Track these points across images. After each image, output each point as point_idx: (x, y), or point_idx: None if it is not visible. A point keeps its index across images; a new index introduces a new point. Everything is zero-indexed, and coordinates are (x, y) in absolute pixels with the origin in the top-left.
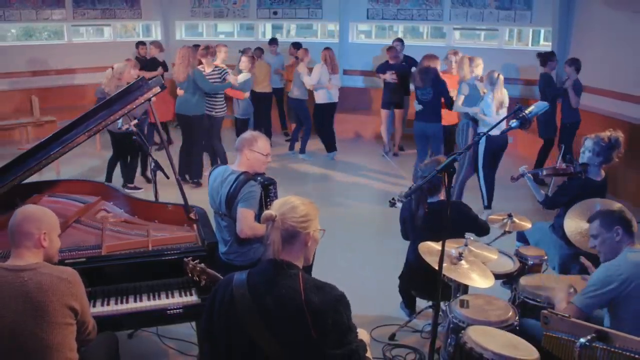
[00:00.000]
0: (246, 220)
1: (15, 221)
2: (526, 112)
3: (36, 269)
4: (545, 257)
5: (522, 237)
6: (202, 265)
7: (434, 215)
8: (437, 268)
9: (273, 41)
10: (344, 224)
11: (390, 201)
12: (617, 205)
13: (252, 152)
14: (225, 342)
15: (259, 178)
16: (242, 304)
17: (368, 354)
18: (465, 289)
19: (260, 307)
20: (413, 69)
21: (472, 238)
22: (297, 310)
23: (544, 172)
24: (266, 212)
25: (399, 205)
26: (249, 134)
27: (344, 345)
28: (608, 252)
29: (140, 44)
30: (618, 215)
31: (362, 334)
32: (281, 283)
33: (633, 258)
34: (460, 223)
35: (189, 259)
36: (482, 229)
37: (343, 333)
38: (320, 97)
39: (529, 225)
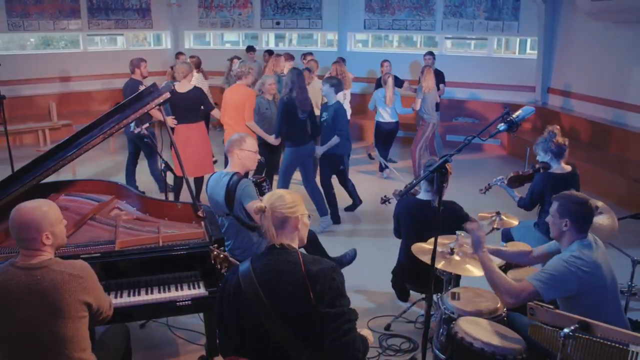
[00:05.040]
0: None
1: (14, 227)
2: (513, 116)
3: (48, 266)
4: None
5: (506, 237)
6: (226, 253)
7: (430, 212)
8: (430, 265)
9: (250, 49)
10: (343, 223)
11: (382, 198)
12: (581, 198)
13: (242, 150)
14: (236, 326)
15: (251, 179)
16: (247, 285)
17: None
18: (456, 281)
19: (263, 284)
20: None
21: (463, 234)
22: (298, 279)
23: (508, 178)
24: (257, 205)
25: (393, 202)
26: (236, 135)
27: (336, 307)
28: (554, 233)
29: None
30: (574, 208)
31: (366, 333)
32: (282, 259)
33: (594, 257)
34: (453, 221)
35: (215, 246)
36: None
37: (336, 297)
38: None
39: (516, 222)
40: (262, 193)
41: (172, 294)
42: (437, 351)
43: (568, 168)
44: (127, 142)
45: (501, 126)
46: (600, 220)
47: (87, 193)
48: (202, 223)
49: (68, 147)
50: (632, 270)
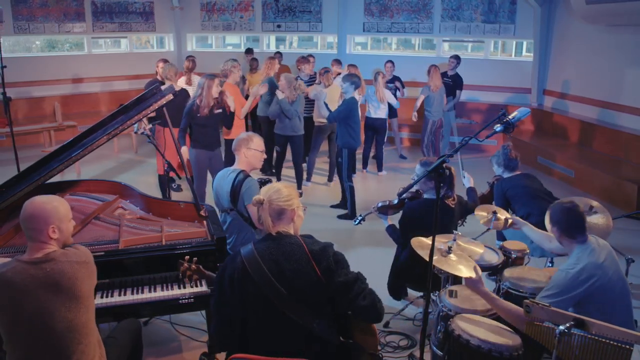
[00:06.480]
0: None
1: (24, 218)
2: (510, 117)
3: (54, 258)
4: (527, 251)
5: (500, 236)
6: (198, 266)
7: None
8: (428, 261)
9: (249, 51)
10: (340, 221)
11: (357, 218)
12: (566, 206)
13: (250, 149)
14: (241, 310)
15: (257, 179)
16: (252, 266)
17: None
18: (454, 280)
19: (271, 265)
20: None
21: (460, 233)
22: (303, 259)
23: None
24: (255, 197)
25: (371, 216)
26: (244, 134)
27: (348, 274)
28: (556, 239)
29: None
30: (558, 217)
31: None
32: (284, 242)
33: (592, 259)
34: (462, 215)
35: (186, 258)
36: (470, 211)
37: (343, 267)
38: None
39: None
40: None
41: (175, 291)
42: (435, 348)
43: (517, 171)
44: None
45: (498, 127)
46: (595, 219)
47: (92, 193)
48: (205, 222)
49: (73, 148)
50: (627, 268)
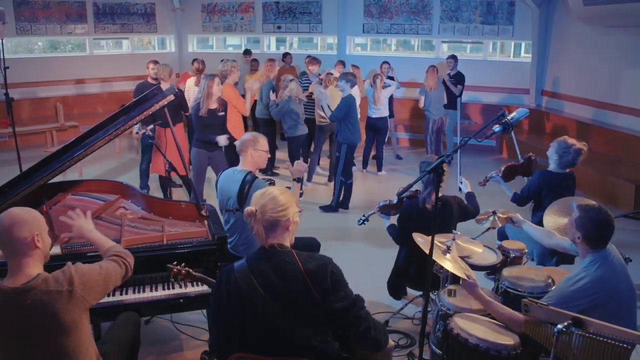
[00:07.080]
0: None
1: (4, 229)
2: (508, 117)
3: (35, 287)
4: (526, 250)
5: (501, 236)
6: (187, 269)
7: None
8: (425, 261)
9: (247, 52)
10: (339, 221)
11: (360, 218)
12: (602, 218)
13: (256, 150)
14: (239, 325)
15: (262, 180)
16: (247, 286)
17: None
18: (453, 279)
19: (265, 285)
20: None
21: (459, 233)
22: (298, 278)
23: (502, 170)
24: (247, 209)
25: (374, 217)
26: (250, 135)
27: (345, 298)
28: (570, 238)
29: None
30: (590, 227)
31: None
32: (279, 260)
33: (599, 272)
34: (460, 215)
35: (174, 263)
36: (471, 214)
37: (341, 288)
38: None
39: None
40: None
41: (176, 290)
42: (434, 347)
43: (567, 170)
44: (143, 146)
45: (496, 128)
46: None
47: (93, 193)
48: (205, 222)
49: (75, 148)
50: None
